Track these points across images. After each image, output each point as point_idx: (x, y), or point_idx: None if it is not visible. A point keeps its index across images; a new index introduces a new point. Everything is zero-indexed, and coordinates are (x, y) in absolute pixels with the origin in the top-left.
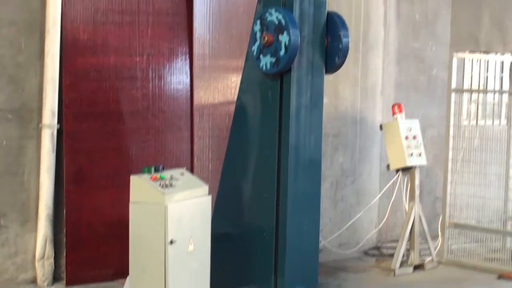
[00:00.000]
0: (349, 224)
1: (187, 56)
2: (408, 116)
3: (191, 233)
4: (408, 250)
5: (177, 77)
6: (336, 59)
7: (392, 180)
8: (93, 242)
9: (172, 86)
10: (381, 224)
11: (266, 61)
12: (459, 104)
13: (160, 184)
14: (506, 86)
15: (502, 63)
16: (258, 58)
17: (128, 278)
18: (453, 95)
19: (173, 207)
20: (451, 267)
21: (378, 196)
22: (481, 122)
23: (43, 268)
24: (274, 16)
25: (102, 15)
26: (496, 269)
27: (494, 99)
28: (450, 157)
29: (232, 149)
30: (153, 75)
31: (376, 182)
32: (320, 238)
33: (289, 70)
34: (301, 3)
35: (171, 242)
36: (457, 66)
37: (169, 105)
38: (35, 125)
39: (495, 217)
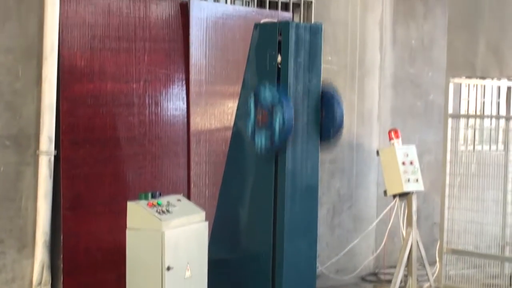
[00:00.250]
0: (346, 250)
1: (184, 82)
2: (405, 141)
3: (188, 259)
4: (405, 276)
5: (173, 103)
6: (331, 131)
7: (389, 206)
8: (90, 268)
9: (168, 112)
10: (378, 250)
11: (261, 138)
12: (456, 130)
13: (157, 210)
14: (503, 111)
15: (499, 88)
16: (252, 135)
17: None
18: (450, 120)
19: (170, 233)
20: None
21: (376, 222)
22: (478, 147)
23: None
24: (268, 93)
25: (99, 42)
26: None
27: (491, 124)
28: (447, 182)
29: (229, 175)
30: (150, 101)
31: (373, 208)
32: (317, 264)
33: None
34: (297, 29)
35: (168, 268)
36: (454, 92)
37: (166, 131)
38: (32, 151)
39: (493, 242)
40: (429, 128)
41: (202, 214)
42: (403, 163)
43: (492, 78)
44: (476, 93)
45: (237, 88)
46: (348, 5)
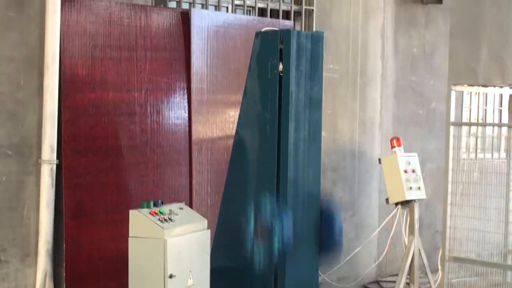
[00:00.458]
0: (348, 257)
1: (185, 91)
2: (407, 149)
3: (190, 267)
4: (407, 284)
5: (175, 112)
6: (330, 249)
7: (391, 214)
8: (93, 277)
9: (170, 121)
10: (380, 258)
11: (259, 255)
12: (458, 138)
13: (159, 219)
14: (505, 119)
15: (501, 96)
16: (251, 249)
17: None
18: (451, 128)
19: (173, 241)
20: None
21: (378, 230)
22: (480, 155)
23: None
24: (268, 205)
25: (100, 51)
26: None
27: (493, 132)
28: (449, 190)
29: (231, 183)
30: (151, 110)
31: (375, 216)
32: (319, 272)
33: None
34: (299, 37)
35: (171, 276)
36: (456, 99)
37: (168, 139)
38: (34, 160)
39: (495, 251)
40: (431, 136)
41: (204, 222)
42: (405, 171)
43: (494, 86)
44: (478, 101)
45: (239, 97)
46: (349, 13)
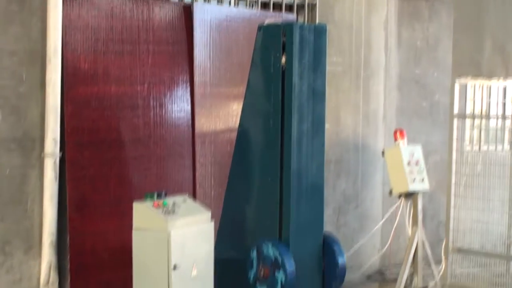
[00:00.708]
0: (353, 249)
1: (188, 84)
2: (410, 141)
3: (194, 259)
4: (411, 275)
5: (178, 105)
6: (333, 285)
7: (395, 205)
8: (97, 268)
9: (173, 114)
10: (384, 249)
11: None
12: (461, 130)
13: (163, 211)
14: (509, 111)
15: (505, 88)
16: (254, 285)
17: None
18: (455, 120)
19: (176, 233)
20: None
21: (381, 222)
22: (484, 147)
23: None
24: (270, 251)
25: (102, 45)
26: None
27: (496, 124)
28: (453, 182)
29: (234, 176)
30: (154, 103)
31: (379, 208)
32: (323, 263)
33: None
34: (301, 30)
35: (175, 267)
36: (459, 92)
37: (171, 132)
38: (37, 154)
39: (499, 242)
40: (434, 129)
41: (208, 214)
42: (409, 163)
43: (498, 78)
44: (482, 93)
45: (242, 90)
46: (352, 6)
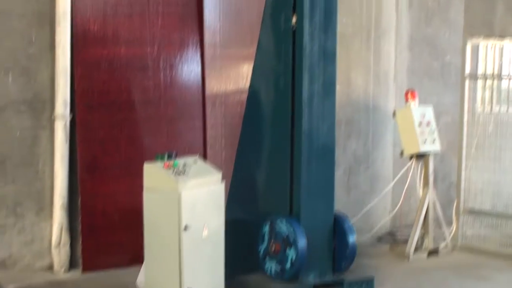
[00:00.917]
0: (364, 211)
1: (198, 45)
2: (422, 102)
3: (205, 220)
4: (422, 236)
5: (188, 67)
6: (343, 264)
7: (406, 167)
8: (108, 229)
9: (183, 76)
10: (395, 210)
11: (271, 266)
12: (473, 90)
13: (173, 172)
14: None
15: None
16: (264, 259)
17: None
18: (467, 81)
19: (187, 194)
20: (465, 252)
21: (392, 183)
22: (495, 108)
23: (59, 255)
24: (283, 227)
25: (112, 6)
26: (511, 254)
27: (508, 85)
28: (464, 143)
29: (245, 137)
30: (164, 64)
31: (390, 169)
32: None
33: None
34: None
35: (185, 228)
36: (471, 52)
37: (181, 94)
38: (48, 115)
39: (511, 202)
40: (446, 89)
41: (219, 176)
42: (420, 124)
43: (511, 39)
44: (494, 53)
45: (252, 51)
46: None
